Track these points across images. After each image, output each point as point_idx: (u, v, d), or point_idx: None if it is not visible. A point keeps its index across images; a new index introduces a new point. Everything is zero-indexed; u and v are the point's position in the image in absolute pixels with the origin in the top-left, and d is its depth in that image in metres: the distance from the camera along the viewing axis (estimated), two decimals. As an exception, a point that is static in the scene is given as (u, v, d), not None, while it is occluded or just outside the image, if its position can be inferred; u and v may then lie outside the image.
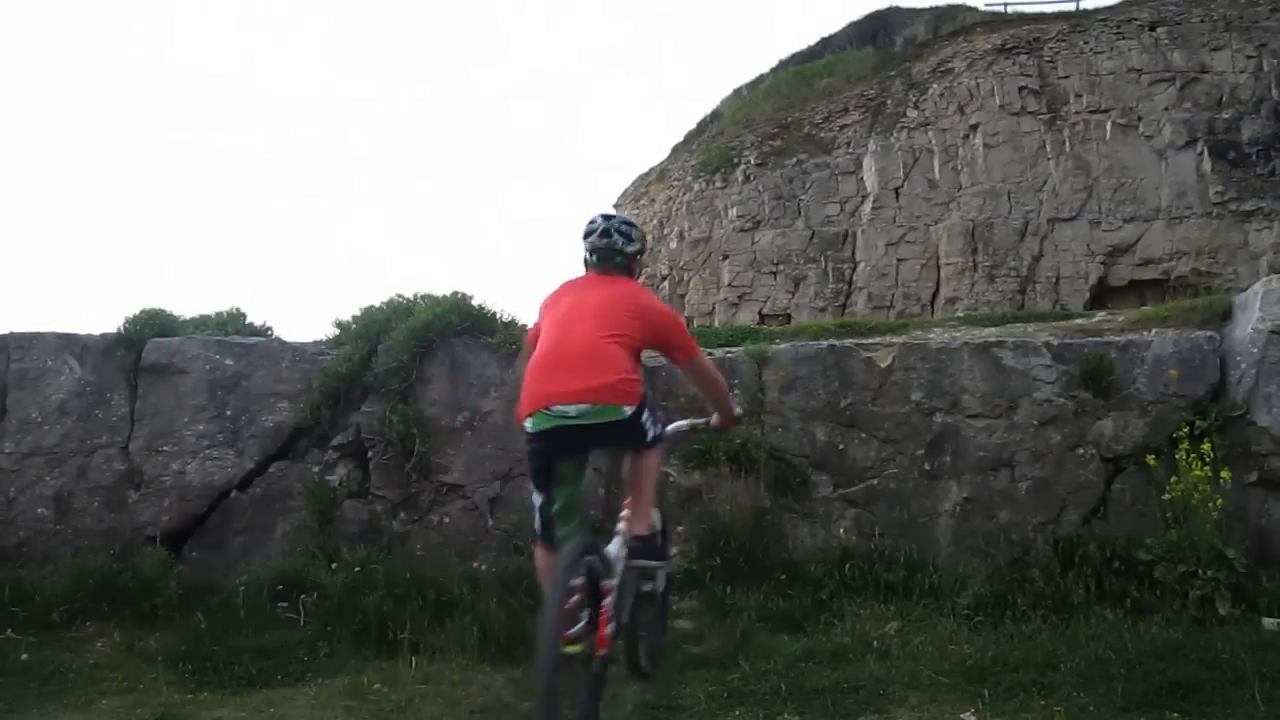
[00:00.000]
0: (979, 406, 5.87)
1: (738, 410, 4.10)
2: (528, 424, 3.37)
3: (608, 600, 3.24)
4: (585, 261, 3.69)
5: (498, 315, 6.21)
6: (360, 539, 5.59)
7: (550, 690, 2.82)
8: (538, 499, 3.50)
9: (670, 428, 3.85)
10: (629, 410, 3.34)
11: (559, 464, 3.45)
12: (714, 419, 3.98)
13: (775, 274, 17.91)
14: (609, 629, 3.21)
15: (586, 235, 3.66)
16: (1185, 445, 5.28)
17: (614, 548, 3.48)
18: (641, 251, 3.77)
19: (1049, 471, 5.75)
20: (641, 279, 3.85)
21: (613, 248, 3.64)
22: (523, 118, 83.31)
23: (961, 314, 10.93)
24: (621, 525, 3.60)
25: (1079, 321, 7.15)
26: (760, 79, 22.53)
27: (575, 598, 3.09)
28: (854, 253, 17.86)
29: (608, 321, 3.43)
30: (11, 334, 6.04)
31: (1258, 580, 4.99)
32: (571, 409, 3.28)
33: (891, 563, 5.39)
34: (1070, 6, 20.19)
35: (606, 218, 3.68)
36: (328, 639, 4.80)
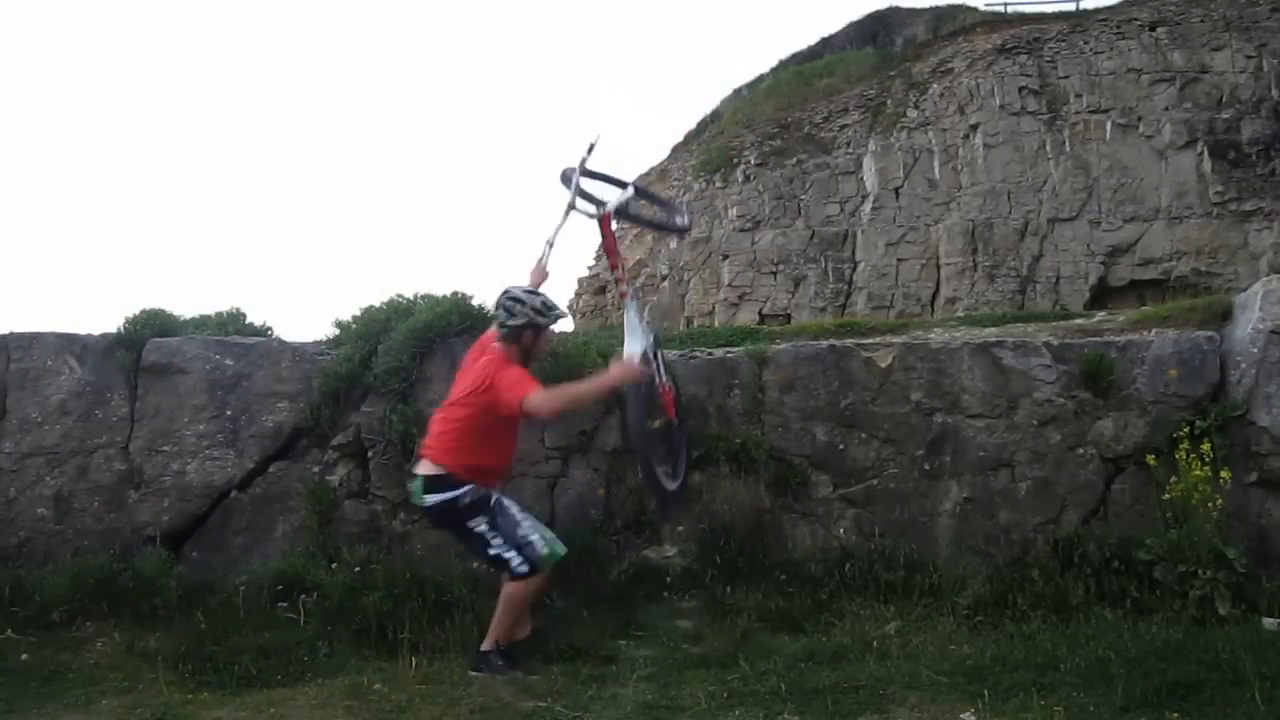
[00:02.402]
0: (979, 406, 5.86)
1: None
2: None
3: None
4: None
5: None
6: (360, 539, 5.59)
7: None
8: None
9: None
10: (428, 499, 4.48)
11: None
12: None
13: (775, 274, 17.92)
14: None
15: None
16: (1185, 445, 5.28)
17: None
18: (527, 325, 4.39)
19: (1049, 471, 5.75)
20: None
21: (498, 321, 4.43)
22: (523, 117, 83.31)
23: (961, 314, 10.94)
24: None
25: (1079, 321, 7.15)
26: (760, 79, 22.55)
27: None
28: (854, 253, 17.87)
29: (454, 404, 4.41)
30: (11, 334, 6.04)
31: (1258, 580, 4.99)
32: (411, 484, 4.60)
33: (891, 563, 5.38)
34: (1070, 6, 20.22)
35: (504, 293, 4.39)
36: (328, 639, 4.80)
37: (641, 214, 5.41)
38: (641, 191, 4.97)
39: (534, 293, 4.45)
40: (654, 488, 4.68)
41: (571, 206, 4.64)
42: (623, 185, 4.77)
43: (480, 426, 4.28)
